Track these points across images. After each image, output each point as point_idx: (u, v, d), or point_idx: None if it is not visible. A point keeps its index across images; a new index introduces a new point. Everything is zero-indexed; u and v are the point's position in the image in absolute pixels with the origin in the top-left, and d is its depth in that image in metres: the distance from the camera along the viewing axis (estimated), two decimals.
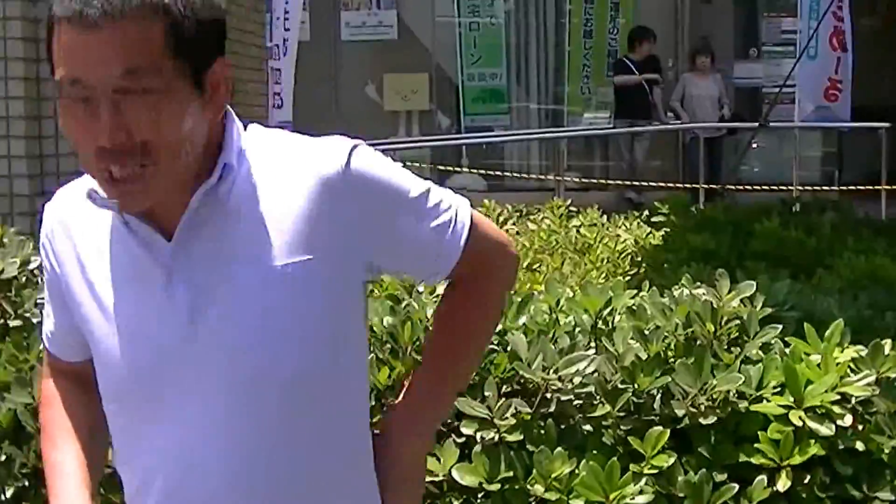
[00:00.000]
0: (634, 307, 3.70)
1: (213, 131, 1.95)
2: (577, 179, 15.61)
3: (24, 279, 4.14)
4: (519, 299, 3.66)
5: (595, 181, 15.20)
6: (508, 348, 3.46)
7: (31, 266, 4.15)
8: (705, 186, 13.71)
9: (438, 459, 3.33)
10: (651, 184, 14.42)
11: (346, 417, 2.03)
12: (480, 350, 2.24)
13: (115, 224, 1.98)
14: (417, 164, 15.33)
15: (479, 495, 3.31)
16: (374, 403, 3.42)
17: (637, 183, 14.97)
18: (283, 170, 1.95)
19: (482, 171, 15.61)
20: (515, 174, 15.62)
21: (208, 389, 1.92)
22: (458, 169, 16.17)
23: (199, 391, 1.92)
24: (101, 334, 2.00)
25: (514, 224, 8.90)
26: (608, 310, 3.70)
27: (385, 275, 2.08)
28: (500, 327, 3.56)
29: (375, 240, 1.98)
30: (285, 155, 1.97)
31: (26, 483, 3.56)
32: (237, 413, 1.92)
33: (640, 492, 3.25)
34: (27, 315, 3.96)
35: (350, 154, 1.95)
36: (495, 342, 3.50)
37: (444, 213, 2.04)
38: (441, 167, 15.65)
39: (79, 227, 2.03)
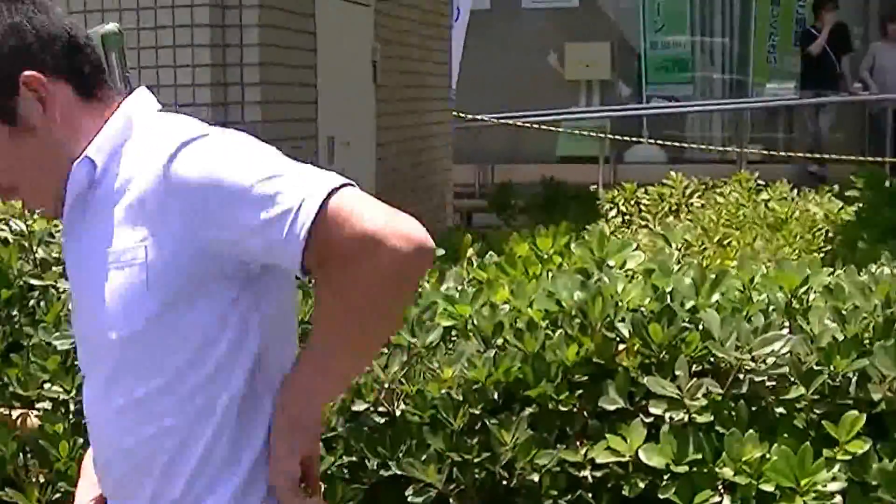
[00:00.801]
0: (831, 286, 3.57)
1: (92, 132, 2.15)
2: (760, 151, 15.28)
3: None
4: (712, 275, 3.56)
5: (778, 154, 14.86)
6: (700, 326, 3.37)
7: None
8: (892, 160, 13.29)
9: (625, 439, 3.26)
10: (835, 157, 14.02)
11: (178, 380, 2.11)
12: (356, 339, 2.09)
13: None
14: (598, 135, 15.21)
15: (666, 477, 3.23)
16: (560, 380, 3.37)
17: (821, 156, 14.58)
18: (135, 161, 2.10)
19: (663, 143, 15.38)
20: (697, 146, 15.35)
21: (88, 363, 2.22)
22: (638, 140, 15.98)
23: (86, 367, 2.23)
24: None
25: (699, 197, 8.74)
26: (804, 288, 3.57)
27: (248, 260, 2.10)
28: (692, 304, 3.48)
29: (206, 231, 2.04)
30: (141, 147, 2.11)
31: None
32: (106, 383, 2.16)
33: (833, 478, 3.15)
34: None
35: (178, 149, 2.04)
36: (686, 319, 3.42)
37: (281, 204, 2.00)
38: (622, 138, 15.49)
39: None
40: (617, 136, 15.55)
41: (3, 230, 4.40)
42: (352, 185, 2.04)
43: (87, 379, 2.23)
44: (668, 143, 15.21)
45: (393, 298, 2.07)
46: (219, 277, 2.08)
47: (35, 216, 4.39)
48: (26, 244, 4.28)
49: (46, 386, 3.71)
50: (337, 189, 2.01)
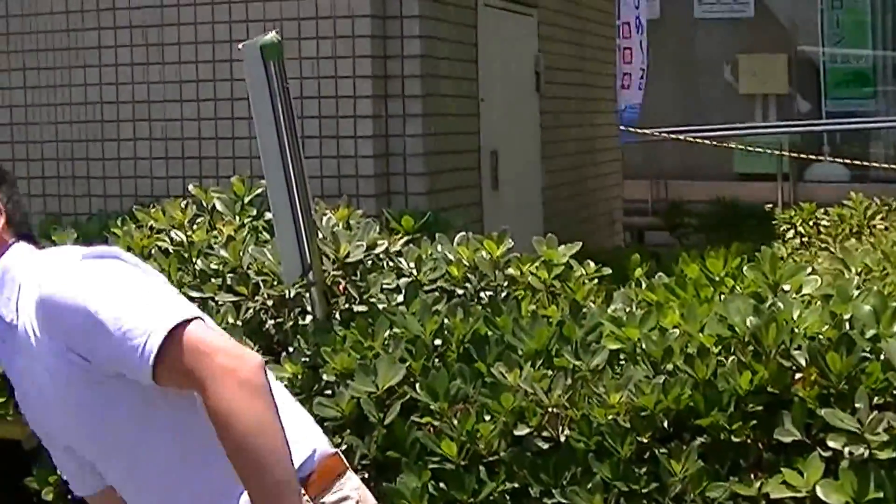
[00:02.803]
0: None
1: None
2: None
3: (369, 263, 4.23)
4: (894, 303, 3.49)
5: None
6: (882, 356, 3.31)
7: (378, 250, 4.24)
8: None
9: (801, 474, 3.22)
10: None
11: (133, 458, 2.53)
12: (242, 451, 2.33)
13: None
14: (775, 151, 15.00)
15: None
16: (732, 409, 3.34)
17: None
18: (29, 294, 2.51)
19: (845, 161, 15.08)
20: (882, 164, 15.03)
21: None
22: (818, 158, 15.71)
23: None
24: None
25: (882, 219, 8.56)
26: None
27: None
28: (872, 332, 3.42)
29: (80, 351, 2.44)
30: (31, 282, 2.52)
31: (366, 475, 3.62)
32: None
33: None
34: (372, 300, 4.05)
35: (42, 291, 2.46)
36: (867, 349, 3.36)
37: (131, 338, 2.39)
38: (800, 155, 15.25)
39: None
40: (795, 154, 15.31)
41: (163, 241, 4.52)
42: (196, 318, 2.39)
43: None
44: (851, 161, 14.91)
45: (252, 409, 2.32)
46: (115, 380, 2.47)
47: (194, 227, 4.50)
48: (186, 255, 4.39)
49: None
50: (179, 324, 2.36)
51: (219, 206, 4.76)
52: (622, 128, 12.39)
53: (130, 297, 2.44)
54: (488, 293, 4.19)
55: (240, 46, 4.15)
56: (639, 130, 13.96)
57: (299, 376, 3.85)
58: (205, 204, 4.89)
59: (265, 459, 2.29)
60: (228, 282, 4.27)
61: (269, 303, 4.17)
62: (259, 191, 4.81)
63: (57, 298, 2.44)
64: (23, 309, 2.50)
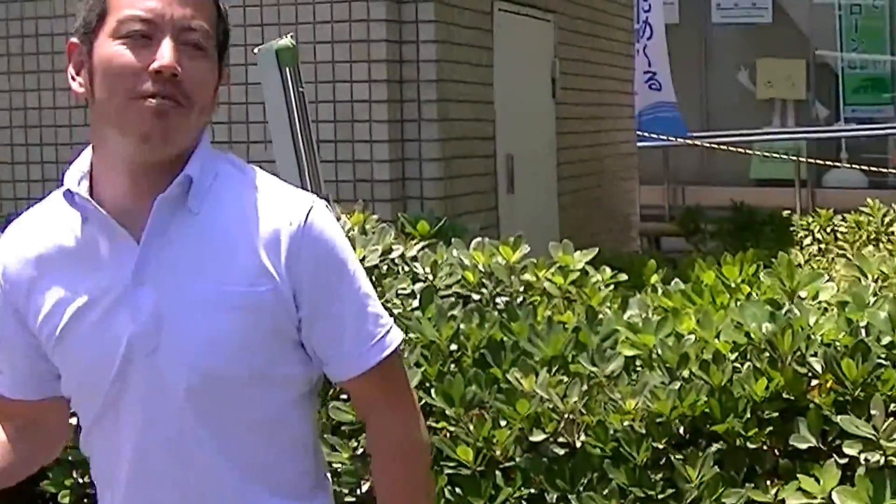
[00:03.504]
0: None
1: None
2: None
3: (385, 268, 4.26)
4: None
5: None
6: None
7: (393, 255, 4.26)
8: None
9: (818, 480, 3.24)
10: None
11: (269, 425, 2.21)
12: (421, 488, 2.33)
13: (78, 234, 2.17)
14: (793, 157, 15.01)
15: None
16: (748, 415, 3.36)
17: None
18: (251, 204, 2.16)
19: (863, 167, 15.10)
20: None
21: (165, 382, 2.12)
22: (836, 164, 15.71)
23: (159, 383, 2.12)
24: (72, 338, 2.17)
25: None
26: None
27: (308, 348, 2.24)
28: (888, 339, 3.44)
29: (314, 300, 2.16)
30: (255, 191, 2.19)
31: None
32: (190, 409, 2.13)
33: None
34: (388, 305, 4.07)
35: (310, 211, 2.17)
36: (882, 356, 3.38)
37: (380, 316, 2.24)
38: (817, 161, 15.25)
39: (36, 248, 2.21)
40: (812, 160, 15.32)
41: None
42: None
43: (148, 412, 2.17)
44: (870, 167, 14.92)
45: (426, 472, 2.35)
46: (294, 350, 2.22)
47: None
48: None
49: None
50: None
51: None
52: (640, 133, 12.41)
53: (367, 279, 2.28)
54: (504, 299, 4.21)
55: (255, 51, 4.19)
56: (655, 135, 13.97)
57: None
58: None
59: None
60: None
61: None
62: None
63: (330, 231, 2.19)
64: (240, 213, 2.16)
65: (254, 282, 2.11)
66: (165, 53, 2.06)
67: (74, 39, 2.14)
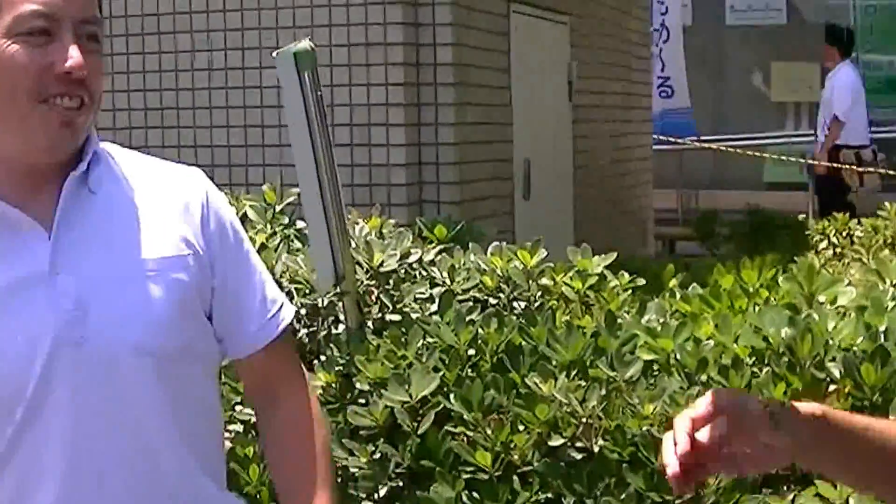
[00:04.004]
0: None
1: None
2: None
3: (402, 272, 4.27)
4: None
5: None
6: None
7: (411, 259, 4.27)
8: None
9: (835, 486, 3.24)
10: None
11: (197, 402, 2.20)
12: (326, 455, 2.36)
13: None
14: (807, 160, 14.99)
15: None
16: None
17: None
18: (149, 179, 2.19)
19: (879, 170, 15.06)
20: None
21: (99, 369, 2.05)
22: (852, 167, 15.68)
23: (92, 371, 2.05)
24: None
25: None
26: None
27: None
28: None
29: (223, 270, 2.20)
30: (148, 167, 2.23)
31: (401, 483, 3.67)
32: (129, 390, 2.08)
33: None
34: (406, 310, 4.08)
35: (207, 182, 2.24)
36: None
37: (274, 288, 2.31)
38: (832, 164, 15.22)
39: None
40: (826, 163, 15.29)
41: None
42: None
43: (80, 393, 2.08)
44: (886, 171, 14.89)
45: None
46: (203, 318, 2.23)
47: None
48: None
49: (238, 408, 3.85)
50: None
51: (250, 214, 4.80)
52: (655, 136, 12.41)
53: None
54: (521, 303, 4.22)
55: (273, 54, 4.19)
56: (670, 139, 13.97)
57: (333, 385, 3.88)
58: (236, 211, 4.92)
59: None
60: None
61: (302, 311, 4.21)
62: (290, 199, 4.85)
63: (226, 203, 2.28)
64: (143, 184, 2.18)
65: (174, 251, 2.13)
66: (73, 53, 2.02)
67: None
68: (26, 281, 2.04)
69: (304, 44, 4.21)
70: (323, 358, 3.98)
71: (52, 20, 2.01)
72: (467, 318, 3.89)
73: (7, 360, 2.03)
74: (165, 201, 2.16)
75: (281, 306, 2.30)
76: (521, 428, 3.55)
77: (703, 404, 1.64)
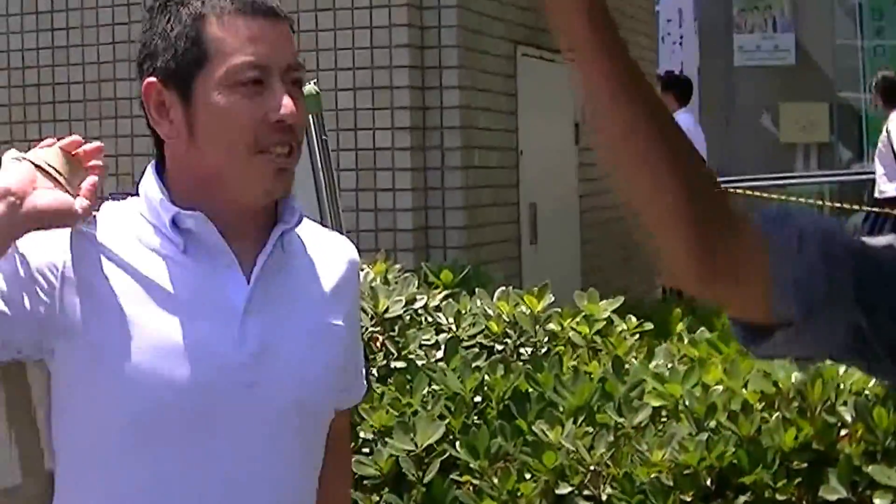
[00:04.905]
0: None
1: None
2: None
3: (408, 318, 4.25)
4: None
5: None
6: None
7: (417, 305, 4.25)
8: None
9: None
10: None
11: (318, 462, 2.28)
12: None
13: (164, 252, 2.09)
14: (816, 202, 14.98)
15: None
16: (777, 466, 3.34)
17: None
18: (319, 242, 2.26)
19: (888, 210, 15.05)
20: None
21: (261, 415, 2.11)
22: (861, 208, 15.67)
23: (254, 416, 2.10)
24: (138, 350, 2.04)
25: None
26: None
27: None
28: None
29: (356, 332, 2.35)
30: (316, 230, 2.30)
31: None
32: (281, 440, 2.13)
33: None
34: (411, 356, 4.06)
35: (356, 255, 2.32)
36: None
37: (360, 355, 2.41)
38: (842, 205, 15.21)
39: (118, 244, 2.09)
40: (836, 204, 15.28)
41: None
42: None
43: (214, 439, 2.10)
44: (892, 210, 14.87)
45: None
46: None
47: None
48: None
49: None
50: None
51: None
52: None
53: None
54: (528, 349, 4.20)
55: None
56: None
57: None
58: None
59: None
60: None
61: None
62: None
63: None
64: (317, 248, 2.25)
65: (339, 319, 2.22)
66: (286, 101, 2.06)
67: (153, 79, 2.08)
68: (220, 313, 2.09)
69: (309, 88, 4.22)
70: None
71: (264, 70, 2.06)
72: (473, 365, 3.87)
73: (180, 385, 2.05)
74: (333, 269, 2.24)
75: (365, 370, 2.44)
76: (528, 476, 3.52)
77: None
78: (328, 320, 2.19)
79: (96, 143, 2.07)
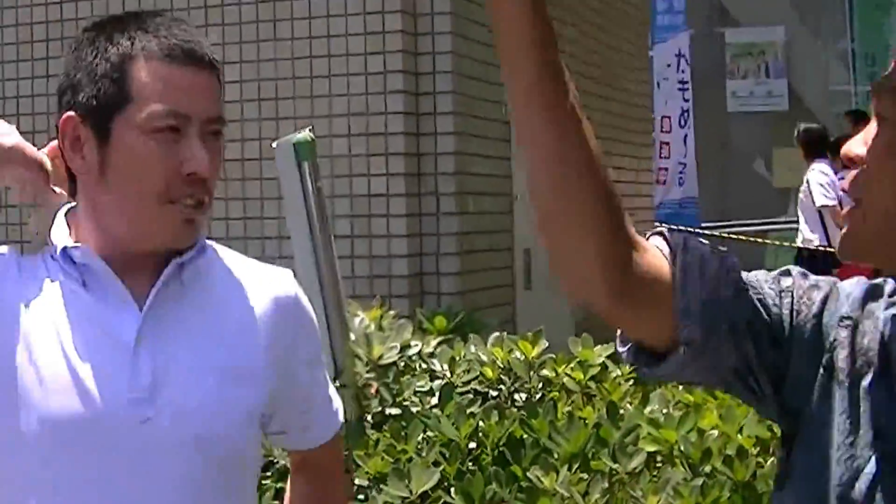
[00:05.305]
0: None
1: None
2: None
3: (402, 365, 4.25)
4: None
5: None
6: None
7: (411, 352, 4.26)
8: None
9: None
10: None
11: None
12: None
13: (66, 285, 2.09)
14: (809, 247, 15.01)
15: None
16: None
17: None
18: (242, 278, 2.21)
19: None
20: None
21: (158, 451, 2.06)
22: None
23: (151, 451, 2.06)
24: (34, 382, 2.04)
25: None
26: None
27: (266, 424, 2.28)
28: None
29: (292, 368, 2.23)
30: (244, 266, 2.25)
31: None
32: (184, 477, 2.08)
33: None
34: (406, 403, 4.06)
35: (298, 288, 2.26)
36: None
37: (334, 392, 2.38)
38: (832, 249, 15.25)
39: (31, 277, 2.11)
40: (830, 249, 15.30)
41: None
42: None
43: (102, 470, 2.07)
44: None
45: None
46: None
47: None
48: None
49: None
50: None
51: None
52: (656, 224, 12.44)
53: None
54: (523, 395, 4.20)
55: (273, 145, 4.21)
56: (670, 227, 13.99)
57: None
58: None
59: None
60: None
61: None
62: None
63: (307, 302, 2.32)
64: (233, 283, 2.21)
65: (253, 353, 2.15)
66: (200, 154, 2.05)
67: (72, 113, 2.07)
68: (111, 346, 2.06)
69: (304, 134, 4.22)
70: None
71: (183, 119, 2.05)
72: (468, 411, 3.87)
73: (72, 419, 2.03)
74: (254, 305, 2.19)
75: (340, 406, 2.39)
76: None
77: None
78: (239, 357, 2.14)
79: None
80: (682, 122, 14.07)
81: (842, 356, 1.66)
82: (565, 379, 4.21)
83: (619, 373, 4.27)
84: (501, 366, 4.23)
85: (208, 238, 2.21)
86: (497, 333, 4.41)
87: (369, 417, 4.07)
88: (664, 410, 3.86)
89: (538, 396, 4.17)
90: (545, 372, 4.24)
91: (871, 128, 1.63)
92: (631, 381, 4.26)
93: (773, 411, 1.73)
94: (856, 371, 1.65)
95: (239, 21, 7.55)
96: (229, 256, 2.25)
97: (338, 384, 4.01)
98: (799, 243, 11.20)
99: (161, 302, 2.09)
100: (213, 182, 2.10)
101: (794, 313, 1.69)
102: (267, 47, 7.48)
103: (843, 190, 1.68)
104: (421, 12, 7.37)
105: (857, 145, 1.64)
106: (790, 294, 1.70)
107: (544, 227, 1.67)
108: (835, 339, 1.67)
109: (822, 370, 1.67)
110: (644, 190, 11.41)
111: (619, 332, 1.75)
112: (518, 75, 1.63)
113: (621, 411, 3.86)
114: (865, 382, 1.63)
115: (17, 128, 2.16)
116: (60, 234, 2.12)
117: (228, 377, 2.11)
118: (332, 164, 7.11)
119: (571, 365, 4.24)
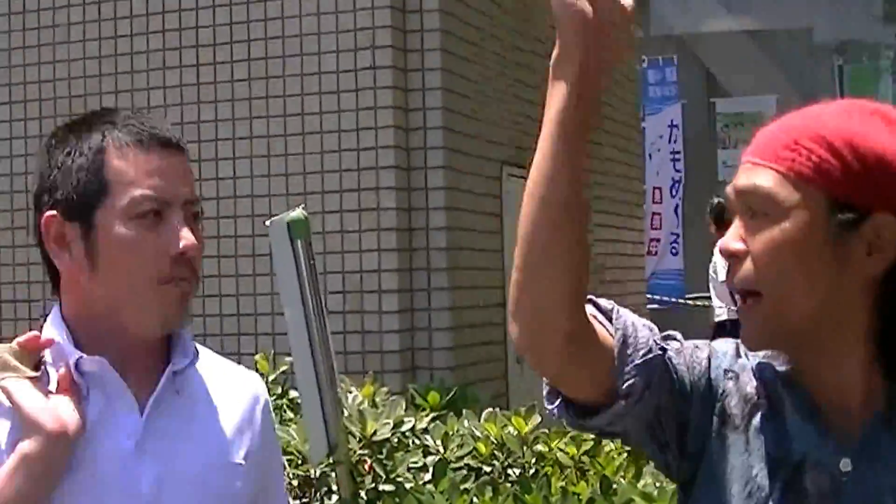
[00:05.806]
0: None
1: None
2: None
3: (396, 441, 4.27)
4: None
5: None
6: None
7: (404, 428, 4.28)
8: None
9: None
10: None
11: None
12: None
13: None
14: None
15: None
16: None
17: None
18: (222, 379, 2.26)
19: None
20: None
21: None
22: None
23: None
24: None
25: None
26: None
27: None
28: None
29: (265, 474, 2.29)
30: (220, 366, 2.30)
31: None
32: None
33: None
34: (399, 479, 4.08)
35: (265, 391, 2.34)
36: None
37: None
38: None
39: None
40: None
41: None
42: None
43: None
44: None
45: None
46: None
47: None
48: None
49: None
50: None
51: None
52: (648, 296, 12.47)
53: None
54: (516, 470, 4.22)
55: (267, 223, 4.25)
56: (664, 298, 14.03)
57: None
58: None
59: None
60: None
61: (294, 483, 4.21)
62: (283, 368, 4.88)
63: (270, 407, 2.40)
64: (217, 386, 2.26)
65: (237, 459, 2.21)
66: (186, 235, 2.08)
67: (53, 212, 2.09)
68: (112, 451, 2.09)
69: (298, 212, 4.26)
70: None
71: (163, 203, 2.09)
72: (462, 487, 3.88)
73: None
74: (234, 407, 2.25)
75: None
76: None
77: None
78: (228, 461, 2.19)
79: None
80: (674, 193, 14.13)
81: (733, 403, 1.89)
82: (558, 454, 4.23)
83: (612, 447, 4.29)
84: (495, 441, 4.25)
85: (198, 315, 2.26)
86: (490, 409, 4.44)
87: (363, 494, 4.08)
88: (657, 484, 3.87)
89: (532, 472, 4.19)
90: (538, 447, 4.26)
91: (742, 223, 1.88)
92: (624, 455, 4.28)
93: (673, 459, 1.91)
94: (746, 414, 1.88)
95: (231, 98, 7.62)
96: (207, 357, 2.28)
97: (331, 460, 4.04)
98: (715, 318, 11.28)
99: (161, 407, 2.13)
100: (198, 259, 2.13)
101: (689, 368, 1.91)
102: (259, 124, 7.55)
103: (729, 286, 1.88)
104: (412, 87, 7.45)
105: (733, 241, 1.87)
106: (681, 354, 1.93)
107: (529, 256, 1.83)
108: (723, 391, 1.90)
109: (716, 418, 1.89)
110: (636, 262, 11.45)
111: (545, 389, 1.96)
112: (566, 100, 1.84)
113: (615, 486, 3.87)
114: (756, 422, 1.86)
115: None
116: (63, 341, 2.12)
117: (217, 482, 2.16)
118: (325, 241, 7.15)
119: (564, 440, 4.26)
